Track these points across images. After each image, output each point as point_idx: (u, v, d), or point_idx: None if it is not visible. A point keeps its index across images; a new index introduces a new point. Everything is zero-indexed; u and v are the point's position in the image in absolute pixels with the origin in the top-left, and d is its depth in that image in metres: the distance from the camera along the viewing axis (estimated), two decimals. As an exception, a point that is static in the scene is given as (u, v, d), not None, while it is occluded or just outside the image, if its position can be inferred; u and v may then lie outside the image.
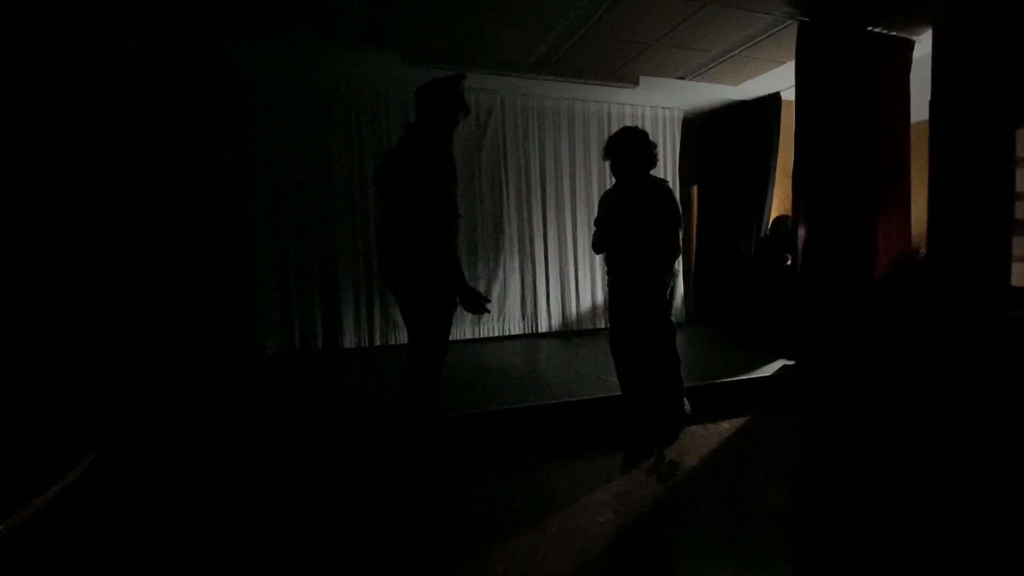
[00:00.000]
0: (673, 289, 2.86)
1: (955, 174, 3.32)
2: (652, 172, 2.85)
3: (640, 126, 2.85)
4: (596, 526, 2.07)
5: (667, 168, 5.87)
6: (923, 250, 3.97)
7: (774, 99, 5.30)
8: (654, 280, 2.77)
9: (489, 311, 2.40)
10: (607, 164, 2.90)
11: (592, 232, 3.11)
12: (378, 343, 4.87)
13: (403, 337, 4.78)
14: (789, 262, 4.39)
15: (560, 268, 5.56)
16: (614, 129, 5.57)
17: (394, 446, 2.58)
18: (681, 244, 2.86)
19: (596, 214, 3.03)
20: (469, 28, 3.81)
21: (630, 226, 2.78)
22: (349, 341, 4.79)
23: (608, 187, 3.08)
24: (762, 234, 5.49)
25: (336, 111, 4.70)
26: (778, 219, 5.43)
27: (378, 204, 2.47)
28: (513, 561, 1.85)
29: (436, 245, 2.23)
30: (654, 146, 2.83)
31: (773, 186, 5.47)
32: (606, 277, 3.04)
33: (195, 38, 3.84)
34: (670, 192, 2.81)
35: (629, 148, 2.79)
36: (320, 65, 4.38)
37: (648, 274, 2.76)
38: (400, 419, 2.43)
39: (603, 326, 5.69)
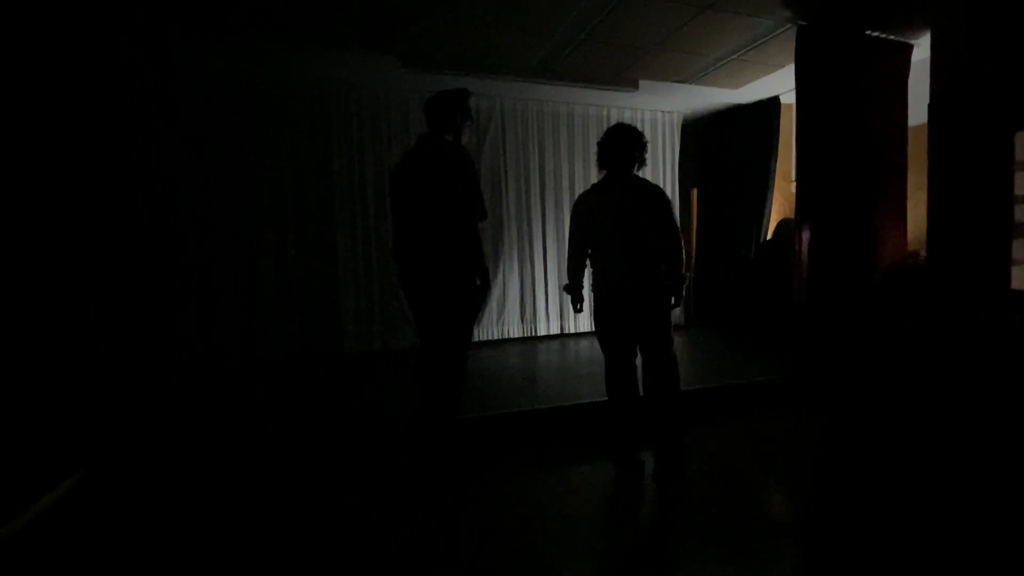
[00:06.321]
0: (679, 299, 2.56)
1: (954, 177, 3.32)
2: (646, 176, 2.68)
3: (640, 129, 2.65)
4: (595, 532, 2.07)
5: (667, 171, 5.88)
6: (923, 253, 3.96)
7: (773, 103, 5.30)
8: (648, 286, 2.51)
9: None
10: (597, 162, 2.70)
11: (568, 251, 2.81)
12: (378, 347, 4.86)
13: (403, 341, 4.79)
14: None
15: (559, 272, 5.55)
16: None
17: (397, 451, 2.58)
18: (683, 246, 2.53)
19: (570, 230, 2.76)
20: (469, 34, 3.82)
21: (618, 226, 2.49)
22: (349, 345, 4.78)
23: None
24: (762, 238, 5.49)
25: (336, 116, 4.70)
26: (782, 223, 5.41)
27: (395, 212, 2.46)
28: (511, 564, 1.84)
29: (469, 246, 2.36)
30: (646, 146, 2.63)
31: (773, 189, 5.47)
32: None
33: (197, 44, 3.84)
34: (661, 190, 2.57)
35: (621, 144, 2.56)
36: (321, 70, 4.39)
37: (639, 280, 2.51)
38: (406, 424, 2.44)
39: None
